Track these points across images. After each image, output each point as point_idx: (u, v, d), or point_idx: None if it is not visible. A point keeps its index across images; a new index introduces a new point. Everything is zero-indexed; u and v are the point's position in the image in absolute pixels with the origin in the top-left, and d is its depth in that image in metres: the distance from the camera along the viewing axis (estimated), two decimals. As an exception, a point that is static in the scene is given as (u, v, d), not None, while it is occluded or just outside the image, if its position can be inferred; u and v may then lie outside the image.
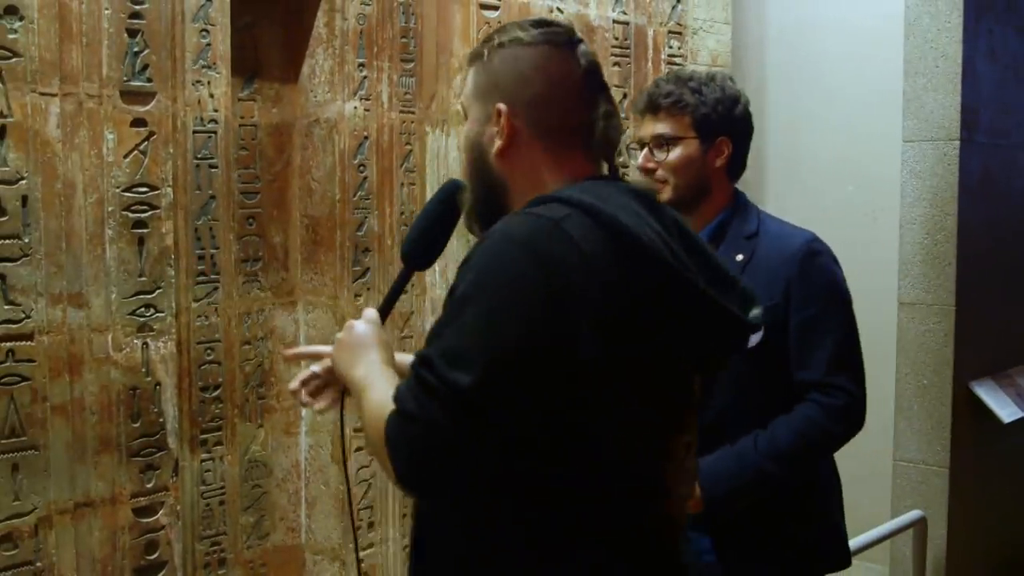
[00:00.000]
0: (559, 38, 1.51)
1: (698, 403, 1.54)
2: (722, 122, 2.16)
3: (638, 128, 2.26)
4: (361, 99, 2.97)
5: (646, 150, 2.19)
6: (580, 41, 1.53)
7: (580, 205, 1.38)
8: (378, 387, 1.44)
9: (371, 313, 1.59)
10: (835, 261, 2.19)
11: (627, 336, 1.36)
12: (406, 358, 1.66)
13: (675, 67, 3.73)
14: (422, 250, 1.65)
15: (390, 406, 1.34)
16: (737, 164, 2.23)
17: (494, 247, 1.36)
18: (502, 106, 1.48)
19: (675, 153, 2.15)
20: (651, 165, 2.17)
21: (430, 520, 1.50)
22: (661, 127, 2.17)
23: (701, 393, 1.55)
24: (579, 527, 1.39)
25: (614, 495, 1.41)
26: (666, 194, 2.15)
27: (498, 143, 1.49)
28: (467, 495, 1.37)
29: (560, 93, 1.49)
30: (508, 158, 1.49)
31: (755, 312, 1.51)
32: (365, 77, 2.98)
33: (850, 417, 2.13)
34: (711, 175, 2.18)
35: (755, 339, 2.07)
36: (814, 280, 2.13)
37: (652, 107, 2.19)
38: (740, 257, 2.14)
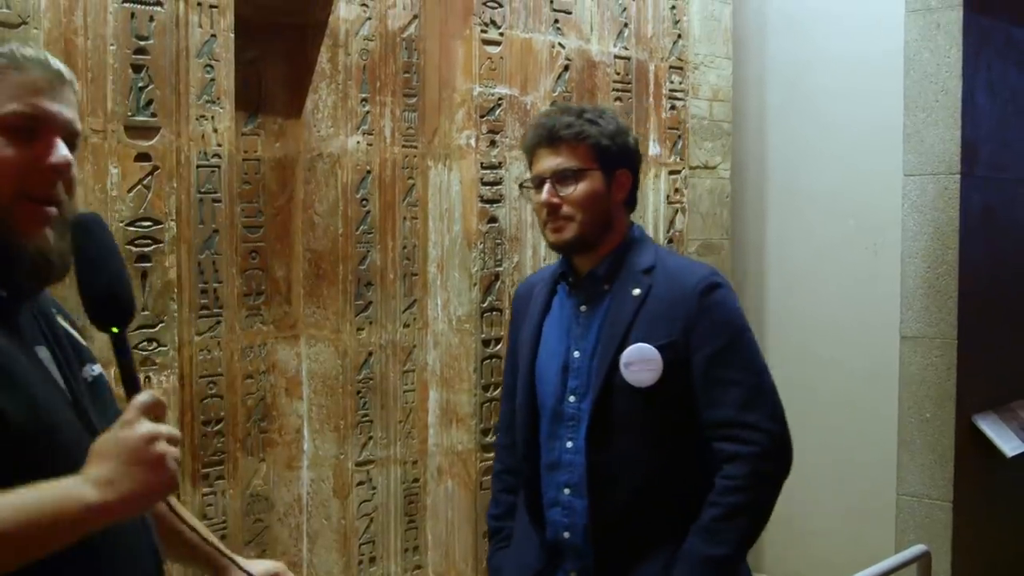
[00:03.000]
0: None
1: None
2: (621, 154, 2.09)
3: (533, 164, 2.13)
4: (364, 134, 2.99)
5: (548, 185, 2.06)
6: None
7: None
8: None
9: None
10: (734, 295, 2.11)
11: None
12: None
13: (676, 101, 3.75)
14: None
15: None
16: (633, 197, 2.17)
17: None
18: None
19: (581, 187, 2.05)
20: (556, 200, 2.05)
21: None
22: (563, 160, 2.05)
23: None
24: None
25: None
26: (570, 232, 2.06)
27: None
28: None
29: None
30: None
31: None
32: (368, 112, 2.99)
33: (773, 458, 2.00)
34: (613, 209, 2.10)
35: (649, 379, 2.00)
36: (716, 314, 2.02)
37: (551, 139, 2.07)
38: (637, 291, 2.05)
